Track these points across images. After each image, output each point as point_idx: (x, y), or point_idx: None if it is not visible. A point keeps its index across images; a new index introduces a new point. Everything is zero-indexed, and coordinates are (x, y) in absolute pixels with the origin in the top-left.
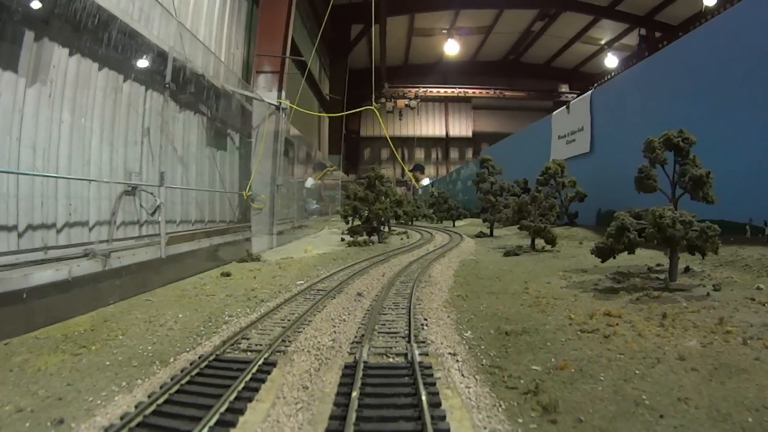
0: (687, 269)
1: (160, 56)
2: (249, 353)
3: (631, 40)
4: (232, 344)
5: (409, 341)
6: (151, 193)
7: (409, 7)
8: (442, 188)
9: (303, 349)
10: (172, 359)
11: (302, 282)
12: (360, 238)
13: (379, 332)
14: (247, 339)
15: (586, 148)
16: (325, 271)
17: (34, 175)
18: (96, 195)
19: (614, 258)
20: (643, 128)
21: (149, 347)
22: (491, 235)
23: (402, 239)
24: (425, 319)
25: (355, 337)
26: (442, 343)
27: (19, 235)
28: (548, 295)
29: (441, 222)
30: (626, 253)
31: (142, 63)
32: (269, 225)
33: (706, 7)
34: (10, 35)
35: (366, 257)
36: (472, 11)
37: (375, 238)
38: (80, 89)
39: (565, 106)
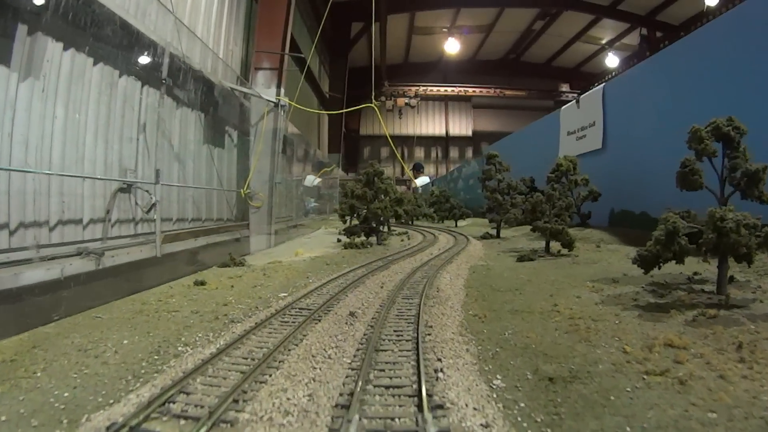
0: (731, 279)
1: (156, 52)
2: (181, 422)
3: (632, 39)
4: (163, 404)
5: (420, 406)
6: (147, 191)
7: (410, 5)
8: (443, 187)
9: (262, 416)
10: (84, 419)
11: (285, 295)
12: (357, 240)
13: (375, 386)
14: (187, 393)
15: (597, 145)
16: (315, 279)
17: (26, 171)
18: (90, 192)
19: (659, 268)
20: (662, 123)
21: (66, 394)
22: (498, 236)
23: (403, 241)
24: (439, 359)
25: (341, 393)
26: (467, 404)
27: (11, 233)
28: (584, 314)
29: (442, 222)
30: (674, 262)
31: (138, 58)
32: (267, 224)
33: (708, 7)
34: (3, 29)
35: (363, 262)
36: (472, 10)
37: (374, 239)
38: (74, 84)
39: (574, 100)
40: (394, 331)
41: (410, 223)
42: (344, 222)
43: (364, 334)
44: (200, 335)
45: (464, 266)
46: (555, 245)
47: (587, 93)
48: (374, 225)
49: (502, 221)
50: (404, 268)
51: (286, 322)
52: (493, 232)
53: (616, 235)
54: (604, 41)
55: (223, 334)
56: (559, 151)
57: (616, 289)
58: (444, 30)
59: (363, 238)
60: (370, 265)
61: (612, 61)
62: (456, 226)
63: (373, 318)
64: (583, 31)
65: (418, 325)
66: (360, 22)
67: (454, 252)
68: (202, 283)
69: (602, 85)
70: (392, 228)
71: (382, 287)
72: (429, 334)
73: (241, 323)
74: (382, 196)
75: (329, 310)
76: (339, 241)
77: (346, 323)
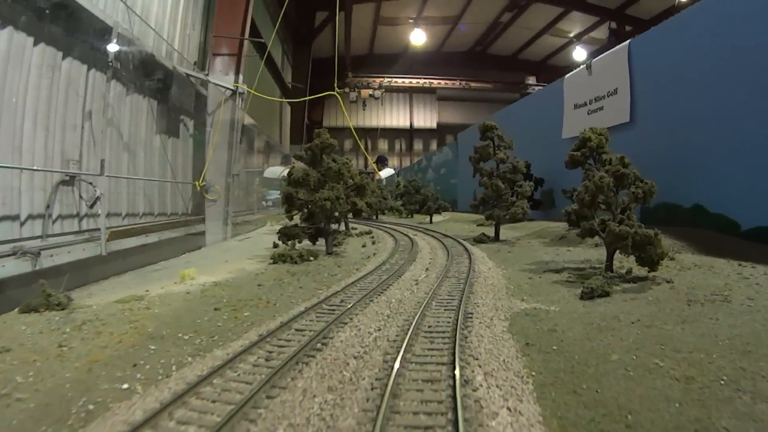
0: None
1: (104, 32)
2: None
3: (601, 33)
4: None
5: None
6: (90, 183)
7: None
8: (411, 177)
9: None
10: None
11: None
12: (296, 248)
13: None
14: None
15: (623, 118)
16: (143, 381)
17: None
18: (29, 185)
19: None
20: (739, 81)
21: None
22: (497, 238)
23: (365, 247)
24: None
25: None
26: None
27: None
28: None
29: (411, 216)
30: None
31: (85, 39)
32: (224, 217)
33: (679, 1)
34: None
35: (288, 306)
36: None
37: (323, 243)
38: (12, 66)
39: (584, 65)
40: None
41: (374, 218)
42: (290, 219)
43: None
44: None
45: (497, 320)
46: (617, 258)
47: (603, 55)
48: (323, 225)
49: (504, 217)
50: (371, 332)
51: None
52: (490, 232)
53: (678, 237)
54: (572, 34)
55: None
56: (564, 129)
57: None
58: (410, 20)
59: (307, 241)
60: (298, 323)
61: (579, 54)
62: (431, 222)
63: None
64: (552, 24)
65: None
66: (325, 12)
67: (456, 276)
68: None
69: (627, 42)
70: (351, 226)
71: None
72: None
73: None
74: (335, 183)
75: None
76: (275, 246)
77: None
